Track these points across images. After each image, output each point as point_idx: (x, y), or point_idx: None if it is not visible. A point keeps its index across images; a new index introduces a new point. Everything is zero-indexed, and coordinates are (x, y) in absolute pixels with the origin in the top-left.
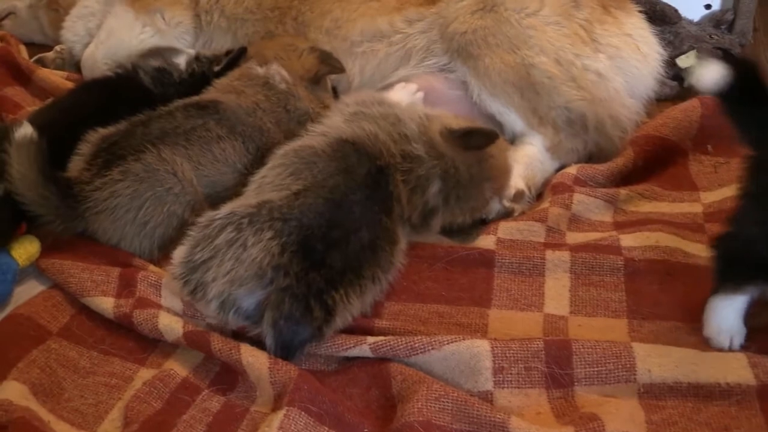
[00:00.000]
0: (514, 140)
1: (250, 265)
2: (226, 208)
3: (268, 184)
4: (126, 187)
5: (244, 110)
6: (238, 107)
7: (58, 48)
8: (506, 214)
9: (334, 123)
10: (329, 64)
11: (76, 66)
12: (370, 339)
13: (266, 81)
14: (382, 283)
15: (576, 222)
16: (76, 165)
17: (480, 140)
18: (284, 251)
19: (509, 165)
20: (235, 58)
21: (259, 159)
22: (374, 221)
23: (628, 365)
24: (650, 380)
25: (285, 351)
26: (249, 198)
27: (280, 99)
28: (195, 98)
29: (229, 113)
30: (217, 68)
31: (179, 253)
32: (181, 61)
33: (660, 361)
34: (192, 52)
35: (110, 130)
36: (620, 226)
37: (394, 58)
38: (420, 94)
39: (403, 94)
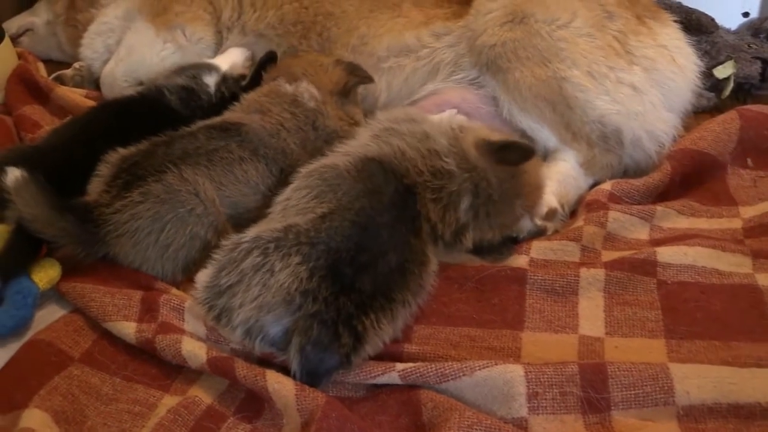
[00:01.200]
0: (546, 156)
1: (277, 291)
2: (251, 232)
3: (293, 206)
4: (147, 209)
5: (268, 132)
6: (261, 129)
7: (76, 65)
8: (539, 233)
9: (361, 140)
10: (357, 74)
11: (95, 83)
12: (399, 366)
13: (294, 99)
14: (413, 306)
15: (611, 240)
16: (95, 186)
17: (517, 155)
18: (312, 276)
19: (542, 182)
20: (263, 63)
21: (282, 180)
22: (402, 243)
23: (666, 387)
24: (689, 402)
25: (311, 378)
26: (274, 221)
27: (308, 117)
28: (218, 119)
29: (251, 135)
30: (244, 83)
31: (203, 277)
32: (211, 82)
33: (698, 382)
34: (222, 67)
35: (130, 150)
36: (657, 244)
37: (422, 72)
38: (462, 117)
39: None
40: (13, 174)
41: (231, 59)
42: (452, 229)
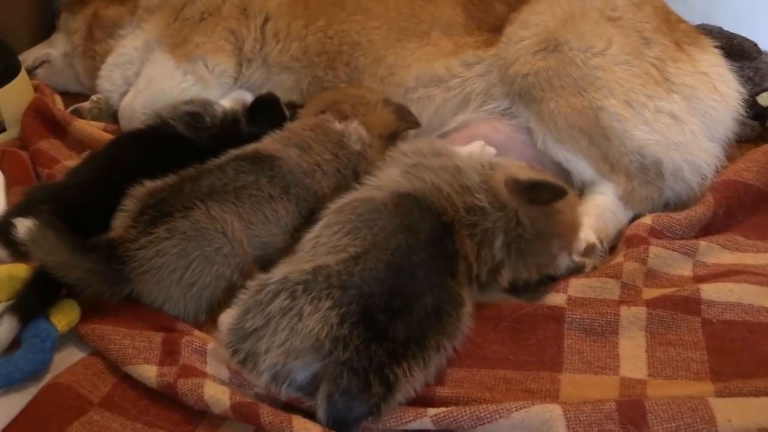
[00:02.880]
0: (583, 189)
1: (306, 336)
2: (278, 273)
3: (323, 245)
4: (173, 246)
5: (303, 170)
6: (296, 166)
7: (94, 98)
8: (577, 270)
9: (391, 175)
10: (407, 120)
11: (113, 116)
12: (432, 411)
13: (341, 139)
14: (447, 351)
15: (653, 277)
16: (121, 221)
17: (547, 195)
18: (343, 322)
19: (579, 220)
20: (259, 104)
21: (308, 218)
22: (439, 284)
23: (707, 417)
24: (732, 430)
25: (339, 426)
26: (303, 261)
27: (350, 161)
28: (251, 149)
29: (285, 171)
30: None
31: (228, 319)
32: (218, 108)
33: (739, 411)
34: (226, 105)
35: (157, 184)
36: (701, 280)
37: (452, 103)
38: (491, 149)
39: (473, 148)
40: (24, 225)
41: (237, 99)
42: (488, 267)
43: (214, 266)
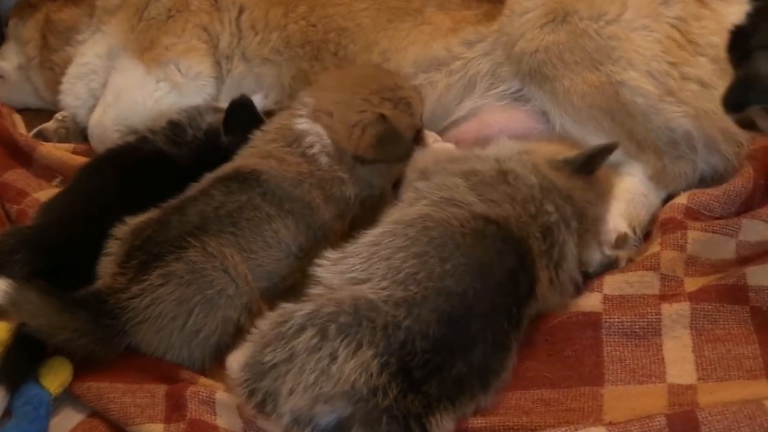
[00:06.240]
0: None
1: (340, 382)
2: (308, 306)
3: (382, 259)
4: (170, 293)
5: (289, 181)
6: (282, 178)
7: (59, 116)
8: (610, 265)
9: (461, 191)
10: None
11: (82, 134)
12: None
13: (303, 152)
14: (481, 402)
15: (694, 264)
16: (106, 268)
17: (602, 157)
18: (382, 372)
19: (611, 183)
20: (233, 110)
21: (312, 238)
22: (492, 338)
23: (766, 424)
24: None
25: None
26: (346, 279)
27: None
28: (229, 168)
29: (272, 185)
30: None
31: (241, 357)
32: (209, 119)
33: None
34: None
35: (140, 220)
36: (746, 262)
37: (457, 88)
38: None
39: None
40: (0, 289)
41: None
42: (561, 289)
43: (219, 311)
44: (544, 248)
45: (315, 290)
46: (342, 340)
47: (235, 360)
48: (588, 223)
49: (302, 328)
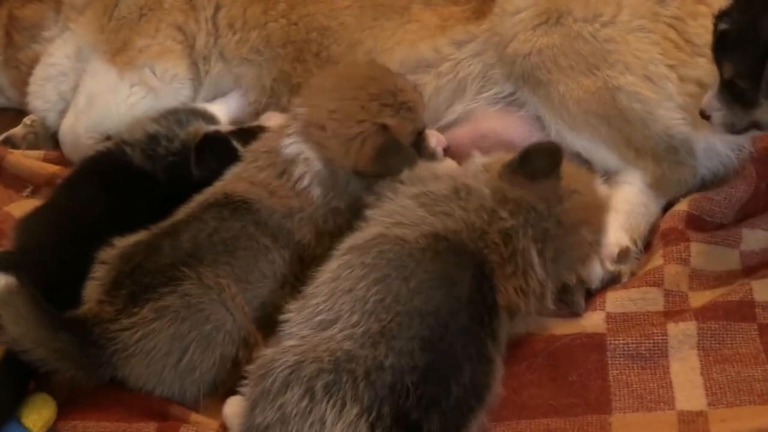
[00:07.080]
0: (607, 181)
1: None
2: (288, 356)
3: (345, 292)
4: (163, 328)
5: (281, 213)
6: (273, 210)
7: (27, 120)
8: (612, 280)
9: (410, 209)
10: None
11: (53, 139)
12: None
13: (294, 186)
14: (480, 418)
15: (698, 278)
16: (92, 293)
17: (541, 159)
18: (375, 428)
19: (601, 198)
20: (208, 145)
21: (306, 267)
22: (477, 351)
23: None
24: None
25: None
26: (315, 323)
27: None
28: (219, 192)
29: (265, 215)
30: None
31: (235, 410)
32: (193, 130)
33: None
34: (220, 119)
35: (129, 243)
36: (751, 272)
37: (446, 91)
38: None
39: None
40: (2, 281)
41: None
42: (537, 295)
43: (217, 348)
44: (507, 256)
45: (289, 342)
46: (328, 401)
47: (230, 413)
48: (550, 223)
49: (286, 384)
